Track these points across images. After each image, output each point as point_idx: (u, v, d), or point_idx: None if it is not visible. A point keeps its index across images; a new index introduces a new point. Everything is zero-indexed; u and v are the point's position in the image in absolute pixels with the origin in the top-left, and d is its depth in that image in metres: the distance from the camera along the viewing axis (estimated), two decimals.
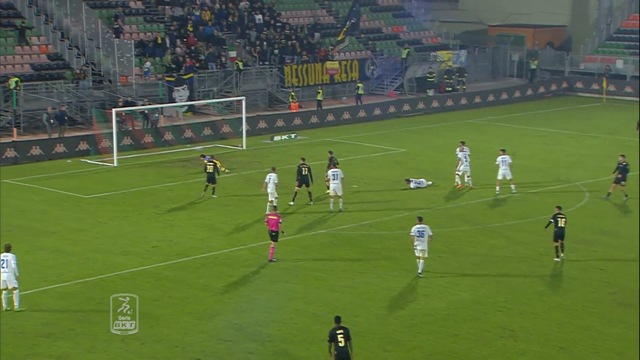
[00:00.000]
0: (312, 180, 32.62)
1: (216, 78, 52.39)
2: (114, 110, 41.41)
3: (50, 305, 23.25)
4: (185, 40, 53.57)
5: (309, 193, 32.74)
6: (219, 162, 36.17)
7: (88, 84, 48.08)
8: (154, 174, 38.28)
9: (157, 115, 46.46)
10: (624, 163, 33.25)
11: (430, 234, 25.23)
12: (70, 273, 25.60)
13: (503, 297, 23.85)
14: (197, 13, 55.55)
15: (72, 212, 32.15)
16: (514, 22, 70.44)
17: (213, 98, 50.66)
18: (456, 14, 72.71)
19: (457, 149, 35.26)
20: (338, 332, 18.51)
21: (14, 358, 20.38)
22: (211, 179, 33.65)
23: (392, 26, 64.63)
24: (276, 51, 55.64)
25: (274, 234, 26.32)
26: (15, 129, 43.51)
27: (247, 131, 44.25)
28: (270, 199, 31.01)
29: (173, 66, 51.25)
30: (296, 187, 32.35)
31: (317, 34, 59.25)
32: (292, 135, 46.63)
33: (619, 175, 33.14)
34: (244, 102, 44.78)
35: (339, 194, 31.72)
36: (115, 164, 39.72)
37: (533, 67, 62.89)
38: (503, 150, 34.68)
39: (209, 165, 33.83)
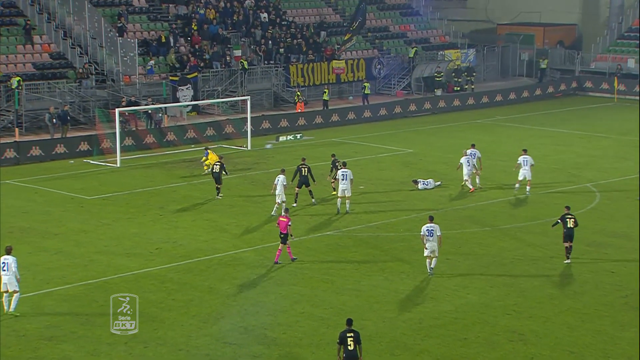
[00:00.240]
0: (313, 180, 32.66)
1: (221, 77, 52.46)
2: (117, 110, 41.49)
3: (52, 308, 23.30)
4: (189, 39, 53.66)
5: (310, 192, 32.78)
6: (211, 160, 36.45)
7: (91, 83, 48.19)
8: (157, 175, 38.34)
9: (160, 115, 46.52)
10: None
11: (439, 234, 25.34)
12: (73, 275, 25.66)
13: (513, 300, 23.84)
14: (202, 11, 55.62)
15: (75, 214, 32.22)
16: (523, 21, 70.39)
17: (218, 98, 50.73)
18: (465, 12, 72.69)
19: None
20: (348, 335, 18.56)
21: None
22: (217, 179, 33.70)
23: (400, 25, 64.64)
24: (282, 50, 55.69)
25: (282, 235, 26.35)
26: (17, 129, 43.63)
27: (251, 131, 44.29)
28: (277, 201, 31.05)
29: (177, 65, 51.34)
30: (296, 189, 32.36)
31: (323, 33, 59.28)
32: (298, 136, 46.67)
33: None
34: (248, 102, 44.83)
35: (347, 195, 31.72)
36: (118, 165, 39.79)
37: (543, 66, 62.84)
38: (525, 150, 34.75)
39: (216, 165, 33.89)
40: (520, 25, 69.66)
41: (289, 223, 26.26)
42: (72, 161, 40.63)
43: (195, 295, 24.11)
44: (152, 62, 50.35)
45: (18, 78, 45.48)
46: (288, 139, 46.17)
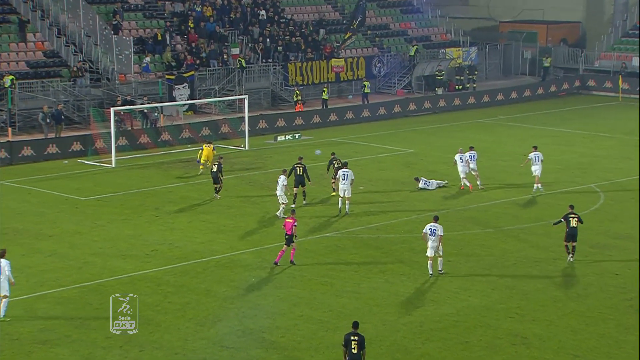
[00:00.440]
0: (308, 180, 32.73)
1: (218, 76, 52.47)
2: (112, 109, 41.51)
3: (46, 311, 23.30)
4: (186, 36, 53.67)
5: (304, 192, 32.85)
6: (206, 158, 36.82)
7: (85, 82, 48.19)
8: (153, 175, 38.35)
9: (156, 114, 46.53)
10: None
11: (441, 234, 25.47)
12: (67, 277, 25.66)
13: (515, 303, 23.85)
14: (199, 9, 55.64)
15: (70, 215, 32.22)
16: (526, 18, 70.43)
17: (215, 97, 50.74)
18: (466, 10, 72.73)
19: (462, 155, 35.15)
20: (352, 338, 18.68)
21: None
22: (215, 178, 33.73)
23: (400, 22, 64.66)
24: (280, 48, 55.71)
25: (287, 237, 26.39)
26: (10, 129, 43.61)
27: (249, 131, 44.30)
28: (280, 202, 31.06)
29: (173, 64, 51.34)
30: (294, 189, 32.37)
31: (322, 31, 59.30)
32: (297, 135, 46.69)
33: None
34: (246, 101, 44.83)
35: (347, 196, 31.74)
36: (113, 165, 39.79)
37: (546, 64, 62.88)
38: (535, 147, 34.92)
39: (214, 165, 33.94)
40: (522, 23, 69.70)
41: (295, 224, 26.31)
42: (66, 161, 40.62)
43: (192, 298, 24.11)
44: (147, 58, 50.33)
45: (11, 77, 45.47)
46: (286, 138, 46.19)
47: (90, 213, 32.43)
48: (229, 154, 41.37)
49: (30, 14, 50.69)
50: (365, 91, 53.80)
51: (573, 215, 26.74)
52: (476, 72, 60.60)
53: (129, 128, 44.90)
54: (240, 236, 29.68)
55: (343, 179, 31.62)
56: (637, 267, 26.61)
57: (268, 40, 55.77)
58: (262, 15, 57.63)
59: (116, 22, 51.34)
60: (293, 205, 32.04)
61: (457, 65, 60.52)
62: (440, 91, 57.71)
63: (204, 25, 54.51)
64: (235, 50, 53.96)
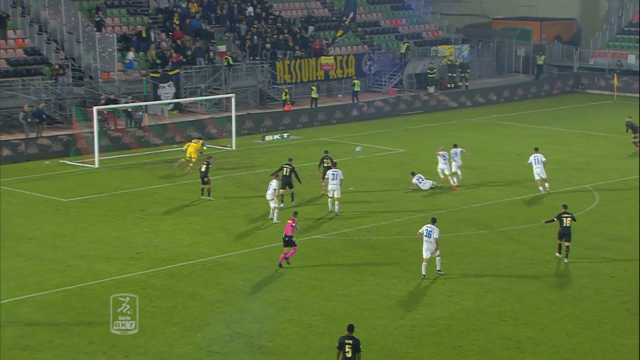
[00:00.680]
0: (299, 182, 32.77)
1: (204, 74, 52.44)
2: (95, 108, 41.44)
3: (28, 316, 23.24)
4: (171, 33, 53.61)
5: (292, 194, 32.91)
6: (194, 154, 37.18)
7: (67, 80, 48.07)
8: (138, 176, 38.30)
9: (141, 113, 46.47)
10: None
11: (437, 236, 25.64)
12: (50, 281, 25.60)
13: (509, 306, 23.94)
14: (184, 5, 55.60)
15: (52, 217, 32.15)
16: (519, 15, 70.67)
17: (201, 95, 50.70)
18: (459, 6, 72.90)
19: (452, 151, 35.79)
20: (347, 341, 18.78)
21: None
22: (203, 179, 33.73)
23: (391, 19, 64.81)
24: (268, 46, 55.72)
25: (287, 239, 26.49)
26: None
27: (236, 131, 44.29)
28: (272, 206, 30.99)
29: (158, 61, 51.27)
30: (280, 190, 32.39)
31: (311, 28, 59.35)
32: (285, 135, 46.71)
33: None
34: (233, 100, 44.84)
35: (336, 196, 31.82)
36: (96, 165, 39.73)
37: (540, 62, 63.10)
38: (536, 149, 35.23)
39: (203, 164, 33.96)
40: (516, 20, 69.92)
41: (293, 225, 26.49)
42: (48, 162, 40.53)
43: (178, 302, 24.10)
44: (131, 54, 50.16)
45: None
46: (274, 138, 46.21)
47: (73, 215, 32.36)
48: (215, 154, 41.33)
49: (10, 10, 50.53)
50: (355, 90, 53.87)
51: (566, 215, 27.00)
52: (469, 70, 60.75)
53: (112, 127, 44.82)
54: (228, 238, 29.68)
55: (332, 179, 31.71)
56: (634, 269, 26.75)
57: (255, 37, 55.77)
58: (250, 11, 57.65)
59: (99, 18, 51.25)
60: (281, 205, 32.08)
61: (449, 63, 60.65)
62: (431, 89, 57.83)
63: (189, 21, 54.47)
64: (222, 48, 53.94)
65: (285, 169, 32.73)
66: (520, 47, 65.78)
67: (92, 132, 40.61)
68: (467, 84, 59.86)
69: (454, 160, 35.62)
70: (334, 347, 19.84)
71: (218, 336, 22.00)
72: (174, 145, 43.72)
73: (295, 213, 27.40)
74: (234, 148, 43.47)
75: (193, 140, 39.05)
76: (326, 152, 35.39)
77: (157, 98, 48.90)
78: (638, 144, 42.11)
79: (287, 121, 48.96)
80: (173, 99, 49.42)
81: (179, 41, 52.99)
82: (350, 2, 58.90)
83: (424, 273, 25.75)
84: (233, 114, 44.53)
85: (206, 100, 49.96)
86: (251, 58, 54.74)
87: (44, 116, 44.20)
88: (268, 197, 31.02)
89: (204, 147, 39.66)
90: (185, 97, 50.15)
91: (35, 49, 49.58)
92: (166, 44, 52.87)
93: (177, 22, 54.01)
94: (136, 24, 53.49)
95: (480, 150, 42.05)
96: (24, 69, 47.86)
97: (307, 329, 22.40)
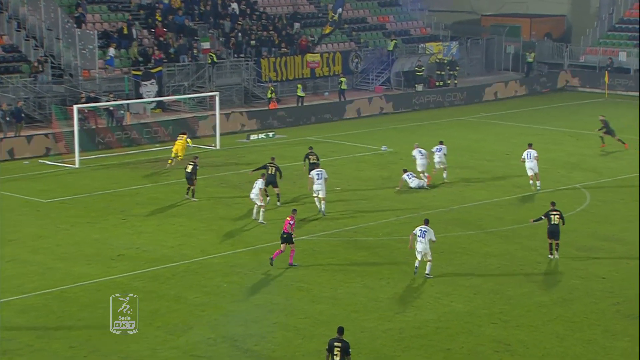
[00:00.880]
0: (280, 177, 32.92)
1: (187, 72, 52.37)
2: (75, 106, 41.28)
3: (7, 320, 23.15)
4: (153, 30, 53.50)
5: (278, 195, 32.93)
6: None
7: (47, 78, 47.91)
8: (119, 176, 38.22)
9: (122, 112, 46.36)
10: None
11: (433, 238, 25.84)
12: (29, 284, 25.53)
13: (499, 308, 24.02)
14: (167, 1, 55.49)
15: (31, 218, 32.05)
16: (509, 12, 70.88)
17: (184, 93, 50.61)
18: (447, 3, 73.02)
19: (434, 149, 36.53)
20: (336, 344, 18.81)
21: None
22: (189, 179, 33.69)
23: (378, 16, 64.87)
24: (253, 42, 55.70)
25: (285, 236, 26.59)
26: None
27: (220, 129, 44.26)
28: (258, 204, 31.01)
29: (140, 59, 51.17)
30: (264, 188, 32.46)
31: (296, 24, 59.35)
32: (270, 134, 46.72)
33: None
34: (217, 98, 44.81)
35: (322, 196, 31.88)
36: (77, 165, 39.63)
37: (530, 60, 63.29)
38: (530, 145, 35.69)
39: (189, 165, 33.90)
40: (505, 17, 70.13)
41: (291, 222, 26.65)
42: (27, 162, 40.40)
43: (161, 305, 24.08)
44: (112, 49, 49.97)
45: None
46: (260, 137, 46.20)
47: (53, 216, 32.27)
48: (199, 154, 41.25)
49: None
50: (342, 88, 53.90)
51: (555, 212, 27.20)
52: (457, 68, 60.88)
53: (93, 126, 44.70)
54: (212, 240, 29.66)
55: (317, 178, 31.84)
56: (625, 270, 26.90)
57: (240, 34, 55.73)
58: (234, 7, 57.58)
59: (79, 14, 51.08)
60: (268, 199, 32.08)
61: (438, 60, 60.78)
62: (420, 87, 57.94)
63: (172, 18, 54.37)
64: (206, 45, 53.87)
65: (270, 167, 32.80)
66: (509, 44, 66.01)
67: (73, 131, 40.48)
68: (455, 81, 60.00)
69: (437, 156, 36.08)
70: (320, 351, 19.92)
71: (202, 340, 21.99)
72: (157, 145, 43.65)
73: (294, 210, 27.57)
74: (218, 147, 43.44)
75: (178, 136, 39.25)
76: (311, 147, 35.56)
77: (139, 96, 48.78)
78: (604, 141, 42.45)
79: (275, 119, 48.93)
80: (155, 97, 49.32)
81: (161, 38, 52.90)
82: None
83: (416, 265, 25.86)
84: (217, 112, 44.49)
85: (190, 98, 49.88)
86: (236, 55, 54.69)
87: (23, 115, 44.03)
88: (253, 196, 31.02)
89: (189, 141, 39.79)
90: (168, 96, 50.05)
91: (14, 46, 49.38)
92: (148, 41, 52.77)
93: (160, 19, 53.90)
94: (117, 20, 53.35)
95: (470, 149, 42.16)
96: (2, 67, 47.64)
97: (293, 332, 22.42)
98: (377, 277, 26.15)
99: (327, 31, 58.39)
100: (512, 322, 23.09)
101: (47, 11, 50.55)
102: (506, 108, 55.14)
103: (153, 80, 49.96)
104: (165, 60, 51.49)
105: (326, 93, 56.80)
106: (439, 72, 60.00)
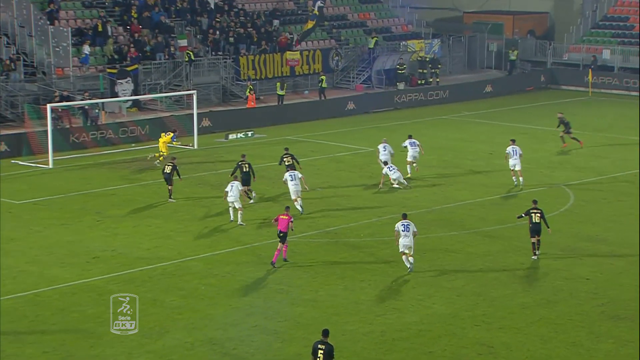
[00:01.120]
0: (253, 176, 33.06)
1: (164, 70, 52.20)
2: (48, 105, 41.06)
3: None
4: (128, 27, 53.28)
5: (250, 190, 33.25)
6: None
7: (19, 76, 47.63)
8: (94, 176, 38.05)
9: (97, 111, 46.15)
10: None
11: (415, 230, 26.25)
12: (1, 288, 25.31)
13: (482, 310, 24.07)
14: None
15: (3, 220, 31.81)
16: (491, 9, 71.14)
17: (160, 92, 50.47)
18: (429, 0, 73.23)
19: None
20: (319, 347, 18.81)
21: None
22: (168, 179, 33.61)
23: (359, 13, 64.90)
24: (231, 40, 55.60)
25: (282, 234, 26.68)
26: None
27: (198, 129, 44.16)
28: (235, 206, 30.95)
29: (115, 57, 50.96)
30: (244, 187, 32.39)
31: (276, 22, 59.29)
32: (249, 134, 46.64)
33: None
34: (194, 97, 44.68)
35: (299, 196, 32.06)
36: (50, 166, 39.42)
37: (513, 57, 63.53)
38: (513, 140, 36.32)
39: (167, 166, 33.83)
40: (488, 14, 70.38)
41: (291, 220, 26.79)
42: None
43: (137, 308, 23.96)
44: (87, 46, 49.68)
45: None
46: (238, 137, 46.11)
47: (25, 218, 32.07)
48: (177, 154, 41.13)
49: None
50: (323, 86, 53.90)
51: (535, 211, 27.47)
52: (439, 66, 61.04)
53: (67, 126, 44.48)
54: (189, 241, 29.57)
55: (291, 180, 32.12)
56: (610, 271, 27.04)
57: (218, 31, 55.61)
58: (211, 4, 57.43)
59: (50, 9, 50.77)
60: (254, 195, 32.15)
61: (419, 58, 60.90)
62: (401, 86, 58.03)
63: (148, 15, 54.17)
64: (183, 42, 53.69)
65: (243, 165, 32.96)
66: (492, 41, 66.21)
67: (46, 131, 40.25)
68: (437, 79, 60.12)
69: (413, 150, 36.85)
70: (300, 354, 19.88)
71: (179, 344, 21.91)
72: (133, 145, 43.49)
73: (287, 207, 27.70)
74: (195, 147, 43.32)
75: (162, 134, 39.30)
76: (286, 148, 35.57)
77: (115, 95, 48.59)
78: (565, 141, 42.72)
79: (254, 118, 48.83)
80: (131, 96, 49.13)
81: (137, 35, 52.68)
82: None
83: (408, 266, 26.13)
84: (194, 111, 44.37)
85: (166, 97, 49.74)
86: (213, 53, 54.56)
87: None
88: (231, 199, 30.86)
89: (174, 142, 39.73)
90: (144, 94, 49.88)
91: None
92: (124, 39, 52.55)
93: (135, 15, 53.68)
94: (92, 17, 53.08)
95: (453, 148, 42.21)
96: None
97: (272, 336, 22.38)
98: (358, 279, 26.15)
99: (310, 26, 58.30)
100: (496, 324, 23.15)
101: (20, 7, 50.24)
102: (489, 106, 55.32)
103: (129, 79, 49.77)
104: (141, 58, 51.29)
105: (306, 91, 56.79)
106: (420, 70, 60.12)
